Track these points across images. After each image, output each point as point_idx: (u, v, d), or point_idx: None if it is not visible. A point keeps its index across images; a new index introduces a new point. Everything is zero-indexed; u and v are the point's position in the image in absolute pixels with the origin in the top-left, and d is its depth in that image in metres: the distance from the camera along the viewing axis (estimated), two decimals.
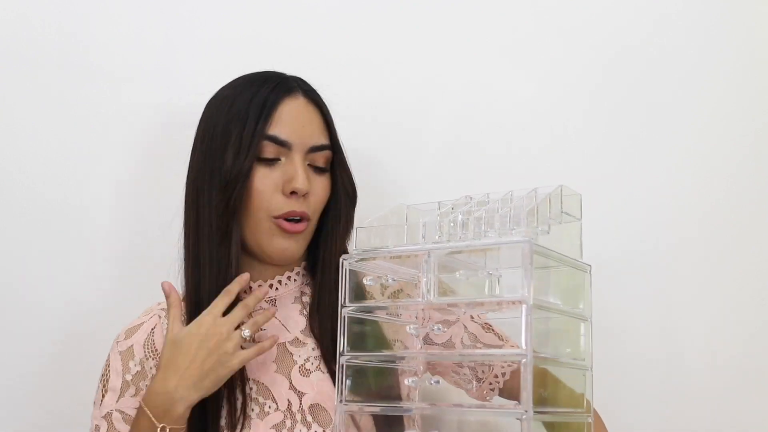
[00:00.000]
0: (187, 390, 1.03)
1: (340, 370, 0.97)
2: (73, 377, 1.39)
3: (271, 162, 1.12)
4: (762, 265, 1.44)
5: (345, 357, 0.97)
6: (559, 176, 1.39)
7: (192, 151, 1.18)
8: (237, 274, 1.12)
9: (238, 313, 1.07)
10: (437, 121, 1.49)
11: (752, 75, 1.48)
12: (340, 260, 0.99)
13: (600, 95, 1.48)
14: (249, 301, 1.09)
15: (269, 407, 1.11)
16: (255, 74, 1.18)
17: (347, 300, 0.98)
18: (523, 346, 0.85)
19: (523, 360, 0.85)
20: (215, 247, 1.12)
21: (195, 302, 1.12)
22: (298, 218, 1.13)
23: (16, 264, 1.43)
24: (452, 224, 0.94)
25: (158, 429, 1.03)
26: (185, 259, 1.16)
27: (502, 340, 1.16)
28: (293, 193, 1.11)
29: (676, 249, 1.44)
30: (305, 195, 1.12)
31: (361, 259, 0.98)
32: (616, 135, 1.47)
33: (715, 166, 1.46)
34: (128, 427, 1.11)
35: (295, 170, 1.11)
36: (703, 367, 1.42)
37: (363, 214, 1.18)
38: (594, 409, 1.05)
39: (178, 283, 1.17)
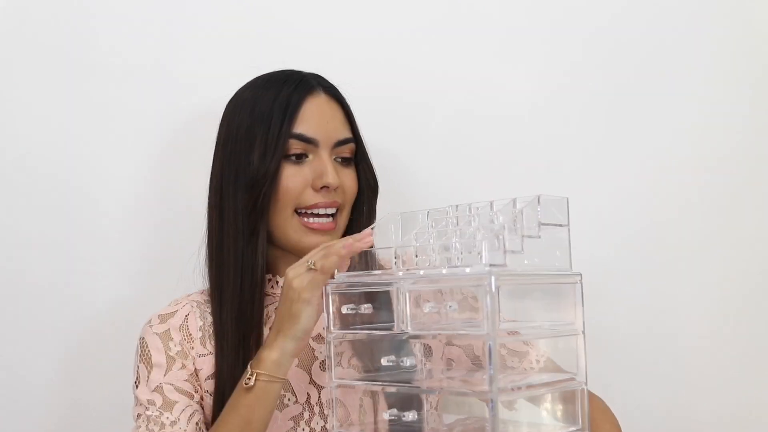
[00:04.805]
0: (283, 340, 1.01)
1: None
2: (90, 375, 1.43)
3: (299, 159, 1.15)
4: (755, 267, 1.45)
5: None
6: (559, 175, 1.44)
7: (214, 153, 1.20)
8: (263, 275, 1.14)
9: (313, 252, 1.02)
10: (436, 122, 1.49)
11: (750, 74, 1.46)
12: (323, 287, 0.99)
13: (597, 94, 1.48)
14: (334, 242, 1.02)
15: (288, 399, 1.15)
16: (274, 74, 1.20)
17: (332, 326, 0.98)
18: (487, 385, 0.84)
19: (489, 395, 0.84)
20: (241, 247, 1.13)
21: (218, 303, 1.15)
22: (330, 213, 1.15)
23: (27, 265, 1.44)
24: (422, 252, 0.92)
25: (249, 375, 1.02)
26: (208, 261, 1.19)
27: None
28: (324, 188, 1.14)
29: (668, 252, 1.45)
30: (336, 189, 1.15)
31: (344, 284, 0.99)
32: (612, 137, 1.47)
33: (711, 168, 1.47)
34: (182, 397, 1.12)
35: (325, 166, 1.14)
36: (696, 372, 1.44)
37: None
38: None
39: (196, 283, 1.21)
